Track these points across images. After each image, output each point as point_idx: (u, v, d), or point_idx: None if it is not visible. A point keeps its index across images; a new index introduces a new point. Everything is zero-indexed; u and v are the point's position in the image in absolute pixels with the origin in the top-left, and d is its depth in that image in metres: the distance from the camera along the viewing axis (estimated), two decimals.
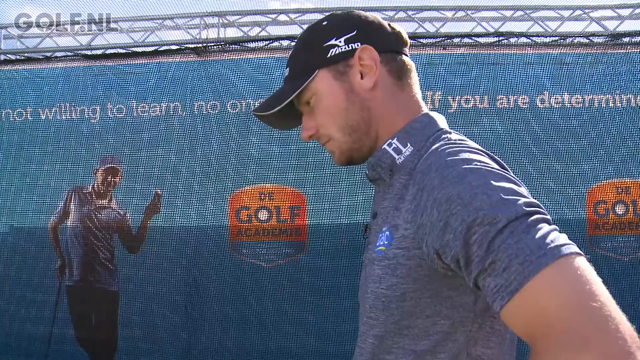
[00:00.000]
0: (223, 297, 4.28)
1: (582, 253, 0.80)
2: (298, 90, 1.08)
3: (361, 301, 1.09)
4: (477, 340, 0.96)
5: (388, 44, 1.10)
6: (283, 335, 4.17)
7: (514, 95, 4.42)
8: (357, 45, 1.07)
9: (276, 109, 1.09)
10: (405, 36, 1.14)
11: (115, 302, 4.41)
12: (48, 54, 4.75)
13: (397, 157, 1.05)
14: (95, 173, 4.50)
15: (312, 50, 1.10)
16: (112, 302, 4.42)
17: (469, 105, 4.42)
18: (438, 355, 0.96)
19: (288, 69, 1.13)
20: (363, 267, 1.10)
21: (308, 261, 4.20)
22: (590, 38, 4.41)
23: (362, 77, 1.08)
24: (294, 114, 1.16)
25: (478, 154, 0.94)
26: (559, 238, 0.80)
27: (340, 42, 1.08)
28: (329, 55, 1.08)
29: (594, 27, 4.53)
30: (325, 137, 1.12)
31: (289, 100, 1.08)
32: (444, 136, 1.03)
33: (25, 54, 4.79)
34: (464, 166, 0.89)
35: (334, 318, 4.03)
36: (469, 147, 0.95)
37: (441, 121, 1.09)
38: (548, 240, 0.79)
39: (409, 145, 1.05)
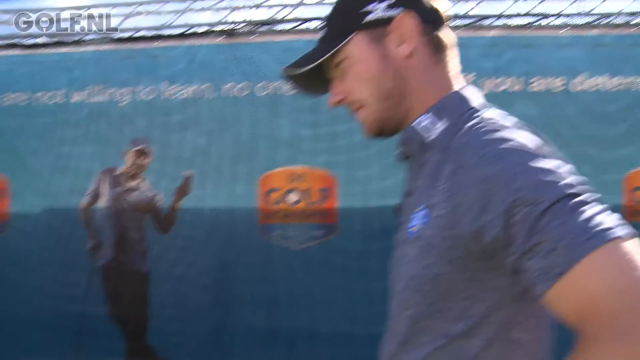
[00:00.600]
0: (252, 279, 4.30)
1: (635, 234, 0.76)
2: (332, 52, 1.05)
3: (393, 283, 1.06)
4: (514, 324, 0.93)
5: (429, 15, 1.06)
6: (313, 318, 4.19)
7: (548, 79, 4.32)
8: (398, 11, 1.03)
9: (307, 67, 1.06)
10: (448, 11, 1.10)
11: (146, 282, 4.48)
12: (78, 38, 4.80)
13: (429, 134, 1.02)
14: (126, 155, 4.54)
15: (350, 12, 1.06)
16: (143, 282, 4.48)
17: (501, 89, 4.33)
18: (473, 339, 0.93)
19: (324, 29, 1.10)
20: (396, 248, 1.07)
21: (338, 244, 4.19)
22: (631, 18, 4.27)
23: (399, 45, 1.04)
24: (325, 79, 1.12)
25: (517, 131, 0.91)
26: (607, 220, 0.77)
27: (381, 6, 1.04)
28: (367, 18, 1.04)
29: (636, 6, 4.37)
30: (356, 103, 1.09)
31: (320, 60, 1.05)
32: (478, 114, 0.99)
33: (56, 38, 4.84)
34: (502, 145, 0.86)
35: (365, 301, 4.02)
36: (506, 125, 0.92)
37: (475, 98, 1.05)
38: (595, 222, 0.76)
39: (442, 122, 1.02)
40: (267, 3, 4.65)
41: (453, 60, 1.10)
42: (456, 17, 4.34)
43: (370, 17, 1.04)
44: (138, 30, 4.74)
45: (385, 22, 1.04)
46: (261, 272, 4.30)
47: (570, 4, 4.41)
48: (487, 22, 4.41)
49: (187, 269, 4.37)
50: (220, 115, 4.45)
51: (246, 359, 4.28)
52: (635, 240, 0.76)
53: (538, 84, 4.32)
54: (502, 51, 4.39)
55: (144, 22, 4.77)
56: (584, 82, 4.28)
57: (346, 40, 1.05)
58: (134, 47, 4.71)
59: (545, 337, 0.98)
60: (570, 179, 0.81)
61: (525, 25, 4.39)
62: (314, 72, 1.08)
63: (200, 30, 4.65)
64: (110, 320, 4.50)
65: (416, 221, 0.97)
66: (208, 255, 4.38)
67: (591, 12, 4.32)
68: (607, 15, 4.28)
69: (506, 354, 0.93)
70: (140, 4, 4.70)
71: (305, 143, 4.28)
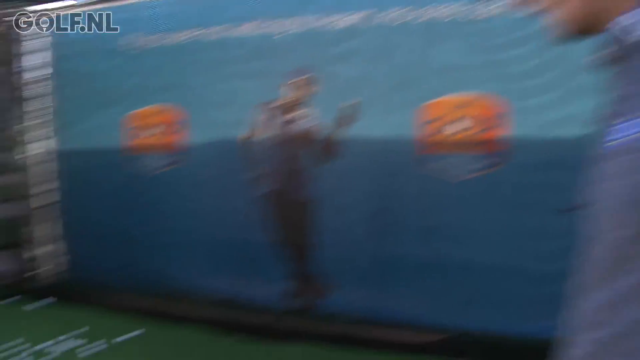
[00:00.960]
0: (409, 209, 4.28)
1: None
2: None
3: (590, 205, 0.94)
4: None
5: None
6: (470, 249, 4.12)
7: None
8: None
9: None
10: None
11: (307, 210, 4.63)
12: None
13: (638, 32, 0.87)
14: (285, 86, 4.61)
15: None
16: (304, 210, 4.66)
17: None
18: None
19: None
20: (593, 164, 0.94)
21: (504, 175, 4.01)
22: None
23: None
24: None
25: None
26: None
27: None
28: None
29: None
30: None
31: None
32: None
33: None
34: None
35: (526, 235, 3.89)
36: None
37: None
38: None
39: None
40: None
41: None
42: None
43: None
44: None
45: None
46: (422, 202, 4.27)
47: None
48: None
49: (346, 199, 4.45)
50: (381, 43, 4.35)
51: (403, 288, 4.34)
52: None
53: None
54: None
55: None
56: None
57: None
58: None
59: None
60: None
61: None
62: None
63: None
64: (272, 247, 4.72)
65: (623, 132, 0.84)
66: (367, 185, 4.42)
67: None
68: None
69: None
70: None
71: (473, 70, 4.06)
